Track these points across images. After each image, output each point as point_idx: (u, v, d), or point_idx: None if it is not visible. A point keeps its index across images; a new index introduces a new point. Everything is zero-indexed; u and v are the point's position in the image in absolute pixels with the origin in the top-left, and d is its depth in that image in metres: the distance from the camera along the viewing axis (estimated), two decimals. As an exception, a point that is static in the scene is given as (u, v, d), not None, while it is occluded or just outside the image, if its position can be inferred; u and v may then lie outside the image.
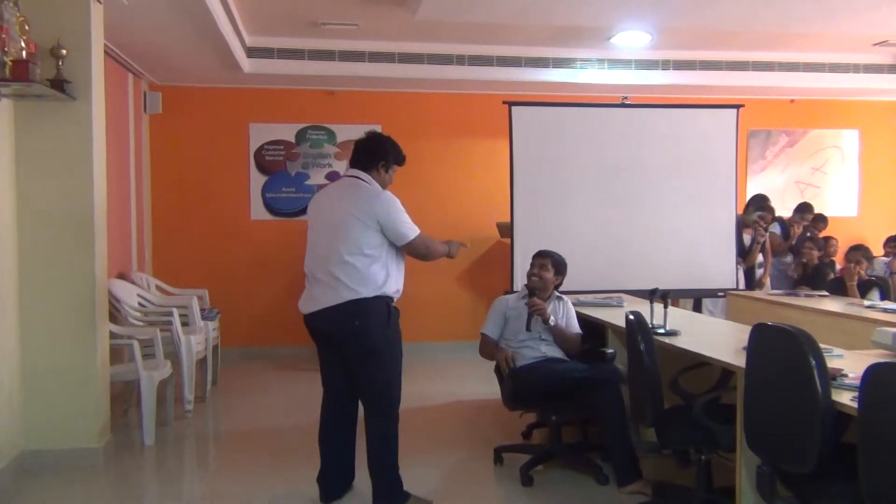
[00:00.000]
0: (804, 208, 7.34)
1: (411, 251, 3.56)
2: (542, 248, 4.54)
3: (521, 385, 4.09)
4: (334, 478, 3.74)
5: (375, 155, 3.65)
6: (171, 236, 7.39)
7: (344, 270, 3.43)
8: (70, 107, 4.15)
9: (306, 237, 3.69)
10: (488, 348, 4.36)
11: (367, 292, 3.43)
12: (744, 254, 6.80)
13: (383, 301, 3.48)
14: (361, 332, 3.44)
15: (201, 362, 5.67)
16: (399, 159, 3.73)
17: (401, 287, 3.62)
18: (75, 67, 4.10)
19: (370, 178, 3.62)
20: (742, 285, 6.65)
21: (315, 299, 3.53)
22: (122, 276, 6.07)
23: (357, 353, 3.49)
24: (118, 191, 6.10)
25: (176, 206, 7.41)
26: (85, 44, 4.16)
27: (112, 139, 5.28)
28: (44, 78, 3.91)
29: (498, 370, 4.35)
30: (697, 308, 6.64)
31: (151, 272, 7.10)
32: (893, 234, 7.30)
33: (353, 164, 3.70)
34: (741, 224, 7.02)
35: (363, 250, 3.44)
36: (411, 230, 3.52)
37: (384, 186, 3.64)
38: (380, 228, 3.46)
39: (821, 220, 7.39)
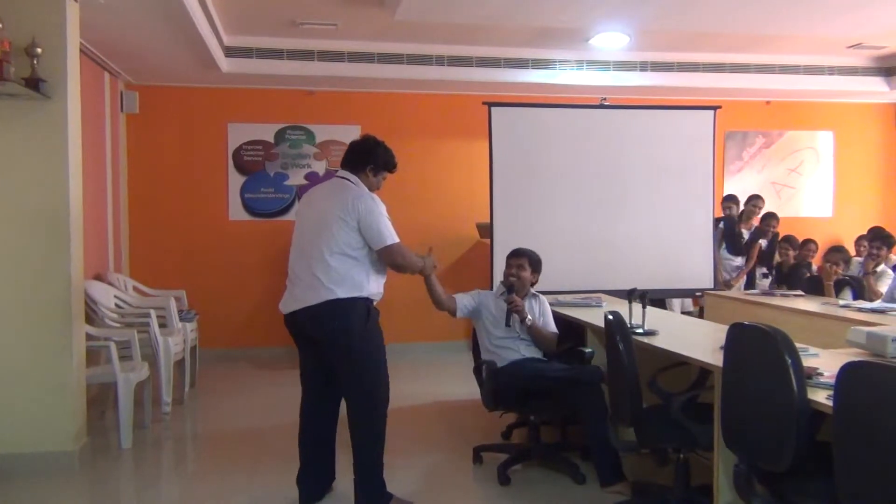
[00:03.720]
0: (756, 197, 7.36)
1: (388, 258, 3.53)
2: (519, 248, 4.50)
3: (501, 384, 4.09)
4: (314, 479, 3.73)
5: (365, 157, 3.66)
6: (149, 237, 7.33)
7: (324, 270, 3.43)
8: (45, 106, 4.10)
9: (289, 237, 3.69)
10: (445, 304, 4.20)
11: (344, 293, 3.42)
12: (741, 251, 6.89)
13: (362, 302, 3.48)
14: (341, 332, 3.43)
15: (179, 364, 5.63)
16: (389, 165, 3.73)
17: (381, 290, 3.62)
18: (50, 66, 4.06)
19: (358, 179, 3.63)
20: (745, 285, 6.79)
21: (296, 299, 3.52)
22: (98, 277, 6.02)
23: (338, 353, 3.49)
24: (94, 191, 6.04)
25: (153, 206, 7.35)
26: (60, 42, 4.12)
27: (88, 139, 5.22)
28: (18, 77, 3.87)
29: (478, 371, 4.36)
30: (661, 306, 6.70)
31: (128, 273, 7.04)
32: (864, 233, 7.38)
33: (343, 164, 3.71)
34: (737, 221, 7.09)
35: (344, 250, 3.44)
36: (390, 236, 3.50)
37: (371, 190, 3.64)
38: (359, 228, 3.45)
39: (759, 198, 7.34)
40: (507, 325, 4.25)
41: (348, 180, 3.62)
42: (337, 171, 3.77)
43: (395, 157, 3.76)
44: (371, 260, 3.52)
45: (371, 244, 3.49)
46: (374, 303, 3.58)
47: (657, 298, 6.67)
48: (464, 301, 4.35)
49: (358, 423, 3.54)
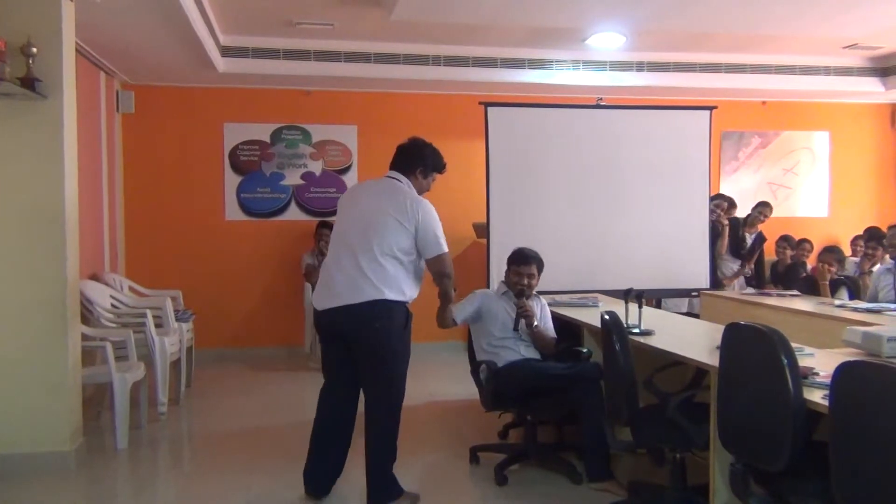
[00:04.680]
0: (763, 204, 7.39)
1: (436, 266, 3.56)
2: (522, 249, 4.45)
3: (502, 384, 4.08)
4: (324, 473, 3.71)
5: (415, 160, 3.69)
6: (145, 237, 7.32)
7: (373, 269, 3.44)
8: (41, 105, 4.09)
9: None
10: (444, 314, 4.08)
11: (391, 295, 3.45)
12: (744, 254, 6.92)
13: (403, 305, 3.52)
14: (383, 332, 3.46)
15: (175, 364, 5.62)
16: (439, 166, 3.77)
17: (416, 296, 3.65)
18: (46, 66, 4.04)
19: (409, 182, 3.65)
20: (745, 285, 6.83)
21: (337, 295, 3.50)
22: (94, 277, 6.01)
23: (372, 352, 3.51)
24: (90, 191, 6.03)
25: (149, 206, 7.33)
26: (56, 42, 4.10)
27: (84, 138, 5.21)
28: (14, 76, 3.86)
29: (476, 374, 4.36)
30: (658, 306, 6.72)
31: (124, 273, 7.02)
32: (860, 233, 7.40)
33: (393, 166, 3.73)
34: (742, 224, 7.10)
35: (396, 253, 3.47)
36: (444, 245, 3.55)
37: (420, 192, 3.67)
38: (415, 234, 3.48)
39: (766, 205, 7.35)
40: (516, 329, 4.26)
41: (399, 182, 3.64)
42: (387, 173, 3.75)
43: (443, 157, 3.78)
44: (416, 266, 3.57)
45: (424, 250, 3.52)
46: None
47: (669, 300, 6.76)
48: (464, 309, 4.32)
49: (378, 420, 3.57)
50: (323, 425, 3.71)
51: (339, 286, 3.50)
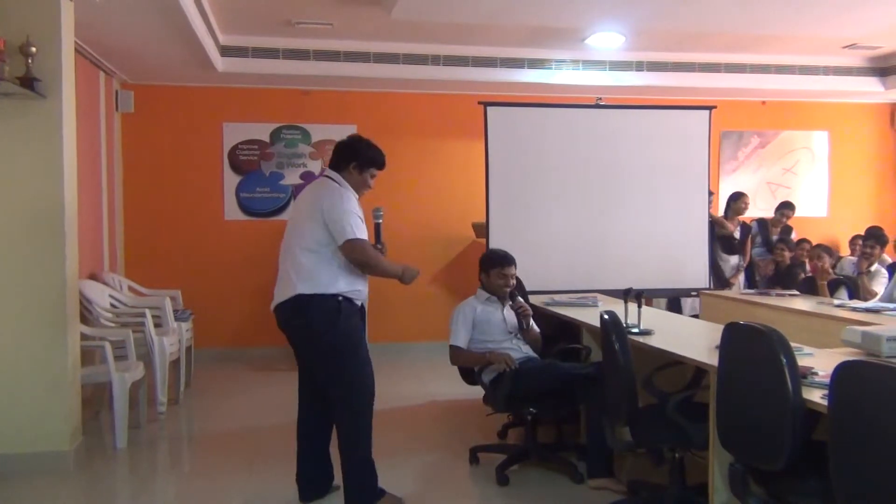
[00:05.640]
0: (785, 205, 7.49)
1: (349, 253, 3.43)
2: (496, 250, 4.57)
3: (526, 384, 4.01)
4: (310, 477, 3.71)
5: (347, 155, 3.66)
6: (144, 236, 7.31)
7: (295, 267, 3.46)
8: (40, 105, 4.09)
9: (282, 237, 3.68)
10: (464, 356, 4.27)
11: (307, 289, 3.42)
12: (735, 250, 6.95)
13: (330, 298, 3.43)
14: (307, 328, 3.45)
15: (174, 364, 5.61)
16: (376, 161, 3.67)
17: (359, 287, 3.54)
18: (45, 65, 4.04)
19: (341, 178, 3.62)
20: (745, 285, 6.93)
21: (274, 296, 3.57)
22: (93, 276, 6.00)
23: (310, 350, 3.53)
24: (89, 190, 6.02)
25: (148, 205, 7.33)
26: (55, 41, 4.10)
27: (83, 138, 5.21)
28: (13, 76, 3.86)
29: (469, 376, 4.36)
30: (675, 308, 6.75)
31: (123, 273, 7.02)
32: (859, 233, 7.41)
33: (329, 164, 3.74)
34: (769, 226, 7.21)
35: (311, 246, 3.45)
36: (351, 231, 3.41)
37: (358, 188, 3.62)
38: (325, 223, 3.43)
39: (788, 206, 7.50)
40: (525, 328, 4.29)
41: (332, 179, 3.63)
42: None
43: (382, 153, 3.70)
44: (339, 254, 3.45)
45: (335, 239, 3.43)
46: (355, 301, 3.52)
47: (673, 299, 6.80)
48: (460, 333, 4.29)
49: (341, 422, 3.53)
50: (299, 431, 3.74)
51: (276, 288, 3.57)
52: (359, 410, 3.51)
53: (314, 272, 3.43)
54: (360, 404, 3.51)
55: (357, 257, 3.46)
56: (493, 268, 4.38)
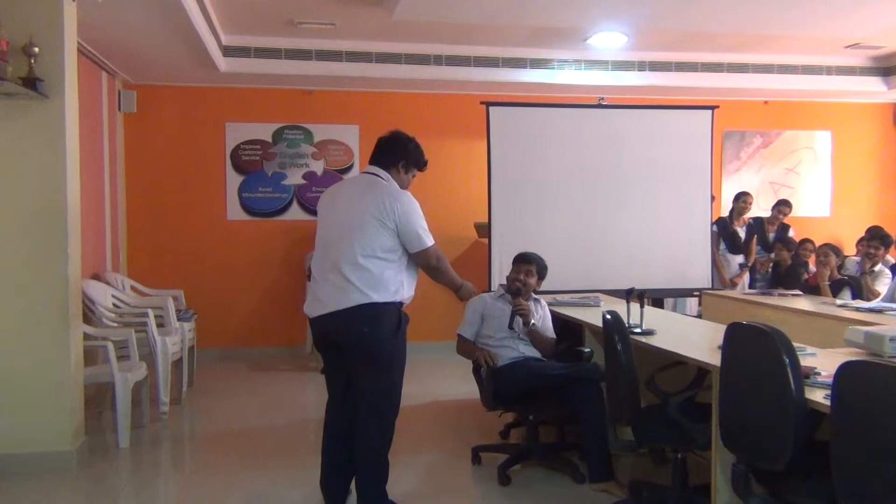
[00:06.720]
0: (782, 203, 7.47)
1: (423, 261, 3.40)
2: (526, 251, 4.55)
3: (502, 384, 4.09)
4: (337, 484, 3.58)
5: (397, 153, 3.54)
6: (146, 236, 7.32)
7: (357, 273, 3.28)
8: (43, 105, 4.09)
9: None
10: (465, 347, 4.39)
11: (379, 297, 3.29)
12: (739, 250, 6.95)
13: (395, 307, 3.36)
14: (370, 338, 3.30)
15: (177, 364, 5.62)
16: (420, 163, 3.61)
17: (412, 294, 3.50)
18: (48, 65, 4.05)
19: (389, 176, 3.50)
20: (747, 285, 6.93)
21: (322, 302, 3.37)
22: (96, 276, 6.01)
23: (363, 359, 3.36)
24: (92, 190, 6.03)
25: (151, 205, 7.34)
26: (58, 42, 4.11)
27: (86, 138, 5.22)
28: (15, 76, 3.86)
29: (476, 371, 4.36)
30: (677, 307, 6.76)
31: (126, 273, 7.03)
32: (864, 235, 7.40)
33: (373, 160, 3.56)
34: (765, 224, 7.20)
35: (378, 254, 3.31)
36: (428, 238, 3.38)
37: (401, 188, 3.51)
38: (397, 231, 3.33)
39: (785, 204, 7.49)
40: (510, 327, 4.28)
41: (379, 177, 3.48)
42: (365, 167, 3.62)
43: (424, 154, 3.64)
44: (403, 262, 3.40)
45: (408, 247, 3.37)
46: (404, 307, 3.46)
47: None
48: (469, 326, 4.40)
49: (368, 435, 3.42)
50: (328, 436, 3.59)
51: (324, 294, 3.37)
52: (387, 429, 3.45)
53: (384, 280, 3.31)
54: (390, 424, 3.46)
55: (432, 263, 3.43)
56: (513, 263, 4.50)
